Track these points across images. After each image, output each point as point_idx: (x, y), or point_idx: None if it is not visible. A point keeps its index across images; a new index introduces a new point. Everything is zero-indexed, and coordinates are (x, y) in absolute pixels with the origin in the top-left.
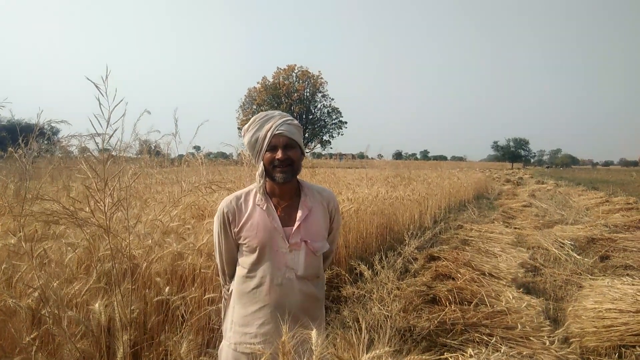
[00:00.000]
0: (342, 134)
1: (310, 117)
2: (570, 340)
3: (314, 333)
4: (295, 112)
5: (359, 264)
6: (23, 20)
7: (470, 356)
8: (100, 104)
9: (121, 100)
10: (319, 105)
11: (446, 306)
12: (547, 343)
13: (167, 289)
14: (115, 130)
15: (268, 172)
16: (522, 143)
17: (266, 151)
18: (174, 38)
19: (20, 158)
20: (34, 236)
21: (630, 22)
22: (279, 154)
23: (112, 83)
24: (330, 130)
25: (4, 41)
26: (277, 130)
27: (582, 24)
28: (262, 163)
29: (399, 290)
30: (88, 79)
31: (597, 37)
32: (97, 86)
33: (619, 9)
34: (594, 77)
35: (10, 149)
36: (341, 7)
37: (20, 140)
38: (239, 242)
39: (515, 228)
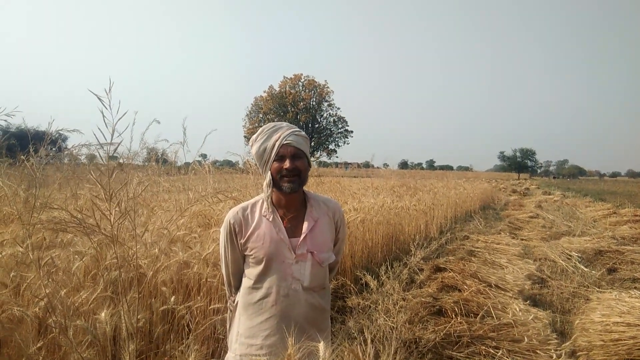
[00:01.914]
0: (348, 143)
1: (317, 126)
2: (578, 354)
3: (321, 345)
4: (302, 121)
5: (364, 274)
6: (25, 24)
7: None
8: (103, 116)
9: (125, 113)
10: (325, 114)
11: (452, 318)
12: (554, 357)
13: (172, 299)
14: (121, 141)
15: (275, 182)
16: (528, 153)
17: (274, 161)
18: (181, 46)
19: (31, 166)
20: (42, 244)
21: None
22: (287, 164)
23: (120, 90)
24: (336, 139)
25: (13, 48)
26: (285, 140)
27: (590, 35)
28: (269, 173)
29: (404, 301)
30: (91, 91)
31: (605, 48)
32: (100, 99)
33: (627, 21)
34: (602, 88)
35: (21, 156)
36: (348, 17)
37: (30, 148)
38: (246, 253)
39: (522, 239)
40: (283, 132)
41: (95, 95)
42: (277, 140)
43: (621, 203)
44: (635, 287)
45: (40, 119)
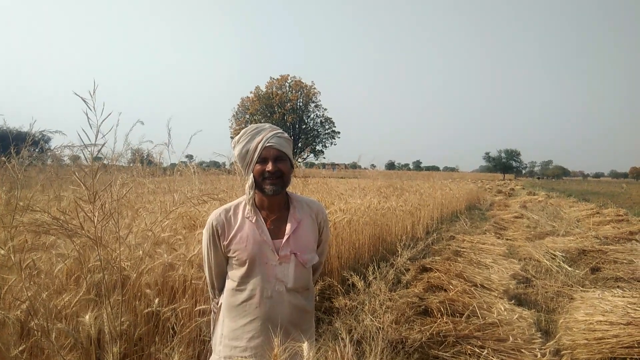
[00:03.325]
0: (335, 144)
1: (303, 127)
2: (562, 353)
3: (305, 345)
4: (288, 122)
5: (351, 275)
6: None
7: None
8: (88, 118)
9: (109, 114)
10: (312, 115)
11: (438, 318)
12: (539, 355)
13: (156, 301)
14: (105, 142)
15: (258, 184)
16: (513, 154)
17: (256, 163)
18: (167, 46)
19: (13, 167)
20: (24, 247)
21: (622, 35)
22: (269, 166)
23: (104, 90)
24: (323, 140)
25: None
26: (268, 142)
27: (574, 37)
28: (252, 175)
29: (391, 301)
30: (76, 94)
31: (589, 49)
32: (84, 100)
33: (610, 23)
34: (586, 89)
35: (2, 158)
36: (336, 18)
37: (11, 149)
38: (229, 255)
39: (507, 239)
40: (266, 134)
41: (80, 97)
42: (259, 143)
43: (604, 203)
44: (618, 286)
45: (23, 120)
